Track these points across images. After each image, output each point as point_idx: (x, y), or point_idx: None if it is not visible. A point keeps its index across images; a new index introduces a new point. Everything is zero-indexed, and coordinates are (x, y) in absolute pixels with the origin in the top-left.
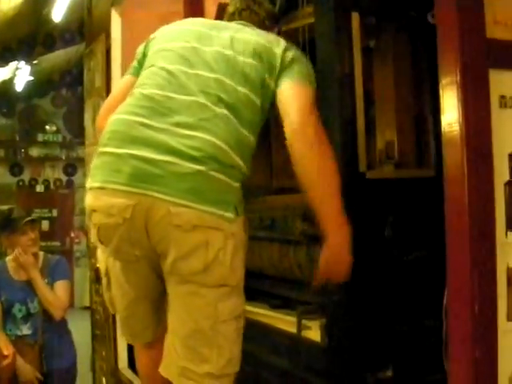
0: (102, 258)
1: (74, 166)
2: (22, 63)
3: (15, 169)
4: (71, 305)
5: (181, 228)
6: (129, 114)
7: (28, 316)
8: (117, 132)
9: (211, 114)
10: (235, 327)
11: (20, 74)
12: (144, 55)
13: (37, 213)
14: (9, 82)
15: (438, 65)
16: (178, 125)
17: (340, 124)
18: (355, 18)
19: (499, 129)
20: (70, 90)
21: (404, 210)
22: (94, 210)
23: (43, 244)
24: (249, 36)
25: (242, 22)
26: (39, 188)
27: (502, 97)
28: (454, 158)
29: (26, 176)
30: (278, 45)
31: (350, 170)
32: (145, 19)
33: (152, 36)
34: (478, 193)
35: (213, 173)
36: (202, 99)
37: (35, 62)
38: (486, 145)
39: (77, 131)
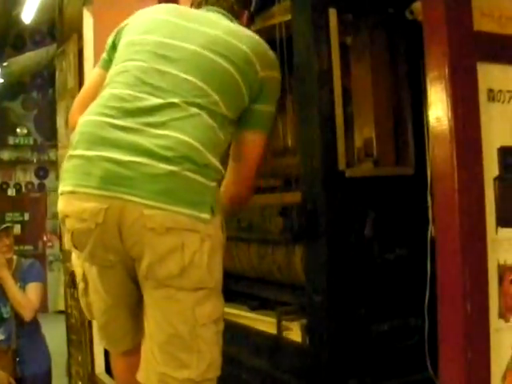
0: (78, 263)
1: (46, 169)
2: None
3: None
4: (45, 309)
5: (155, 231)
6: (98, 114)
7: (1, 321)
8: (86, 134)
9: (184, 114)
10: (215, 330)
11: None
12: (113, 46)
13: (9, 216)
14: None
15: (417, 60)
16: (149, 124)
17: (319, 122)
18: (333, 14)
19: (488, 123)
20: (41, 93)
21: (384, 209)
22: (66, 216)
23: (15, 248)
24: (237, 42)
25: (213, 8)
26: (11, 192)
27: (490, 90)
28: (443, 154)
29: None
30: (259, 58)
31: (329, 168)
32: (117, 18)
33: (123, 24)
34: (467, 189)
35: (187, 173)
36: (175, 99)
37: (5, 64)
38: (475, 139)
39: (48, 134)
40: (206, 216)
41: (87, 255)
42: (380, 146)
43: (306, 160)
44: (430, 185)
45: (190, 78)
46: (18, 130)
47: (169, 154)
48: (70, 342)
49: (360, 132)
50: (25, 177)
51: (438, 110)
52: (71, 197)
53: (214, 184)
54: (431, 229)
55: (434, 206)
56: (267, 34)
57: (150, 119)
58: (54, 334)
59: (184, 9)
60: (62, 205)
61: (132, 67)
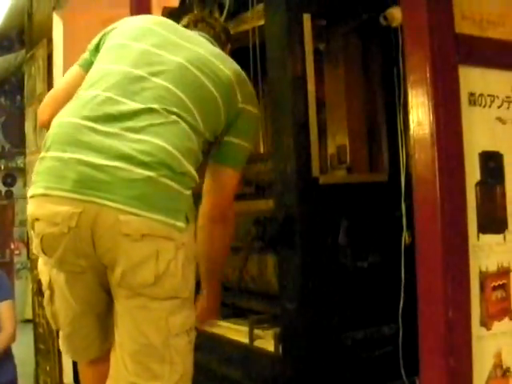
0: (45, 270)
1: (14, 177)
2: None
3: None
4: None
5: (130, 237)
6: (75, 116)
7: None
8: (62, 135)
9: (163, 120)
10: (187, 340)
11: None
12: (97, 48)
13: None
14: None
15: (391, 67)
16: (128, 129)
17: (293, 128)
18: (307, 19)
19: (469, 127)
20: (9, 99)
21: (357, 216)
22: (36, 219)
23: None
24: (221, 66)
25: (201, 33)
26: None
27: (471, 94)
28: (424, 158)
29: None
30: (241, 86)
31: (302, 174)
32: (87, 23)
33: (111, 27)
34: (449, 194)
35: (163, 179)
36: (154, 105)
37: None
38: (456, 144)
39: (16, 141)
40: (181, 224)
41: (56, 261)
42: (353, 152)
43: (279, 166)
44: (404, 192)
45: (172, 88)
46: None
47: (146, 159)
48: (37, 351)
49: (333, 139)
50: None
51: (420, 114)
52: (43, 199)
53: (188, 192)
54: (405, 236)
55: (414, 212)
56: (240, 40)
57: (129, 124)
58: (21, 343)
59: (173, 24)
60: (33, 208)
61: (114, 71)
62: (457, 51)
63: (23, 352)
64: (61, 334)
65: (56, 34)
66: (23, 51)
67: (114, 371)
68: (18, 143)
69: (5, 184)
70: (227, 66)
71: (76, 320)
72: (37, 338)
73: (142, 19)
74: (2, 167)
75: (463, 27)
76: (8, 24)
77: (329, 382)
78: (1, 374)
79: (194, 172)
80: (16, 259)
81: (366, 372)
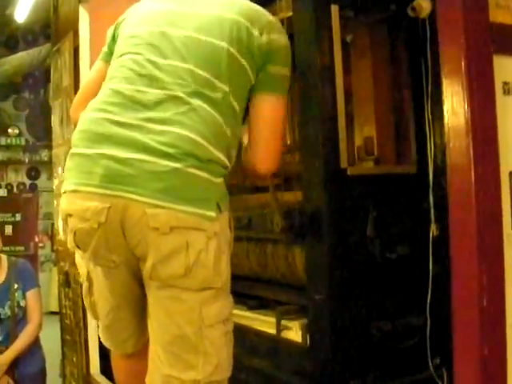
0: (82, 263)
1: (38, 170)
2: None
3: None
4: None
5: (158, 230)
6: (97, 111)
7: None
8: (85, 131)
9: (186, 108)
10: (223, 331)
11: None
12: (113, 39)
13: (0, 217)
14: None
15: (419, 58)
16: (150, 120)
17: (320, 119)
18: (335, 10)
19: (503, 116)
20: (33, 93)
21: (386, 208)
22: (69, 215)
23: (7, 249)
24: (227, 13)
25: None
26: (2, 192)
27: (505, 83)
28: (459, 147)
29: None
30: (256, 23)
31: (330, 166)
32: (113, 15)
33: (121, 18)
34: (484, 183)
35: (191, 169)
36: (176, 92)
37: None
38: (491, 133)
39: (40, 134)
40: (211, 214)
41: (90, 255)
42: (381, 144)
43: (307, 158)
44: (432, 183)
45: (189, 66)
46: (10, 130)
47: (171, 150)
48: (64, 342)
49: (360, 131)
50: (16, 177)
51: (454, 103)
52: (74, 196)
53: (219, 180)
54: (433, 228)
55: (448, 201)
56: None
57: (151, 114)
58: (46, 335)
59: None
60: (65, 204)
61: (128, 61)
62: (491, 40)
63: (48, 344)
64: (100, 324)
65: (82, 26)
66: (47, 45)
67: (150, 364)
68: (42, 137)
69: (29, 177)
70: (235, 10)
71: (113, 312)
72: (63, 330)
73: (146, 1)
74: (27, 160)
75: (497, 16)
76: (33, 18)
77: (356, 373)
78: (31, 363)
79: (223, 158)
80: (40, 252)
81: (394, 363)
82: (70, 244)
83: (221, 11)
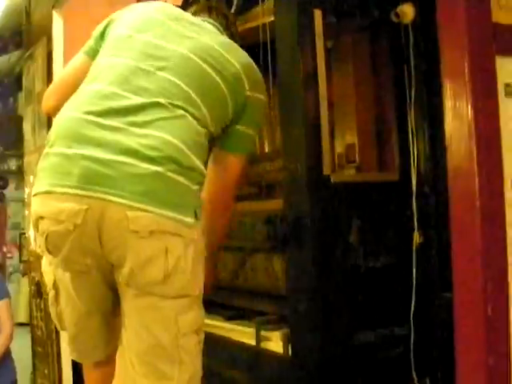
0: (49, 270)
1: (6, 179)
2: None
3: None
4: None
5: (137, 234)
6: (78, 111)
7: None
8: (66, 130)
9: (169, 114)
10: (196, 340)
11: None
12: (102, 36)
13: None
14: None
15: (401, 64)
16: (132, 123)
17: (304, 125)
18: (318, 15)
19: (505, 119)
20: (2, 101)
21: (369, 215)
22: (40, 217)
23: None
24: (228, 56)
25: (210, 21)
26: None
27: (507, 85)
28: (461, 151)
29: None
30: (249, 75)
31: (314, 173)
32: (88, 21)
33: (115, 16)
34: (488, 186)
35: (171, 174)
36: (160, 100)
37: None
38: (494, 136)
39: (9, 143)
40: (190, 220)
41: (62, 260)
42: (363, 152)
43: (289, 165)
44: (416, 191)
45: (176, 81)
46: None
47: (153, 153)
48: (35, 354)
49: (342, 138)
50: None
51: (457, 105)
52: (47, 197)
53: (196, 187)
54: (416, 236)
55: (450, 205)
56: (249, 37)
57: (135, 118)
58: (15, 347)
59: (180, 12)
60: (37, 206)
61: (118, 64)
62: (494, 41)
63: (17, 355)
64: (67, 335)
65: (56, 31)
66: (17, 52)
67: (122, 372)
68: (10, 146)
69: None
70: (234, 56)
71: (82, 320)
72: (34, 341)
73: (147, 7)
74: None
75: (500, 17)
76: (3, 24)
77: None
78: (2, 374)
79: (201, 167)
80: (8, 262)
81: (377, 374)
82: (40, 248)
83: (221, 50)
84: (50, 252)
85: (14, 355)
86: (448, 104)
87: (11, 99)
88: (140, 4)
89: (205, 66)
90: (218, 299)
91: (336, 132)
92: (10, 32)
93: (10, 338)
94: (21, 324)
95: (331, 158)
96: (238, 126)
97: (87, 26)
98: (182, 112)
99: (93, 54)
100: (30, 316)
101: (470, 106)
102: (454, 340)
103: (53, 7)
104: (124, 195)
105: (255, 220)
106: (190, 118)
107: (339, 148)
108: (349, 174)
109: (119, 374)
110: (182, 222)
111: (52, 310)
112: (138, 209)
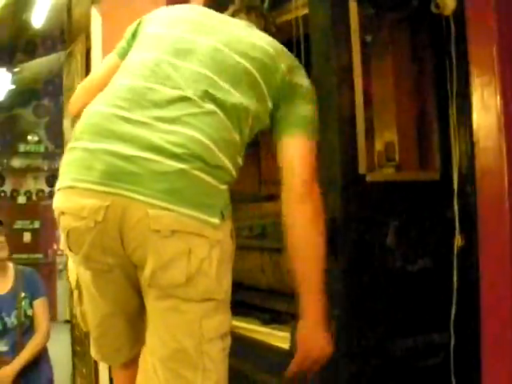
0: (73, 268)
1: (57, 177)
2: (3, 71)
3: None
4: (54, 318)
5: (159, 233)
6: (106, 105)
7: (4, 332)
8: (91, 125)
9: (198, 110)
10: (221, 347)
11: (1, 82)
12: (134, 36)
13: (19, 224)
14: None
15: (443, 57)
16: (160, 119)
17: (338, 122)
18: (353, 7)
19: None
20: (53, 100)
21: (407, 216)
22: (62, 213)
23: (25, 256)
24: (260, 42)
25: (246, 22)
26: (21, 199)
27: None
28: (490, 147)
29: (7, 187)
30: (283, 59)
31: (348, 172)
32: (126, 17)
33: (147, 16)
34: None
35: (197, 172)
36: (188, 93)
37: (16, 69)
38: None
39: (59, 141)
40: (215, 220)
41: (82, 258)
42: (402, 150)
43: (323, 163)
44: (457, 191)
45: (205, 71)
46: (29, 137)
47: (179, 150)
48: (74, 353)
49: (381, 136)
50: (36, 184)
51: (485, 97)
52: (69, 192)
53: (224, 187)
54: (458, 238)
55: (477, 205)
56: (283, 31)
57: (161, 113)
58: (63, 344)
59: (211, 11)
60: (59, 201)
61: (147, 59)
62: None
63: (62, 352)
64: (91, 335)
65: (94, 28)
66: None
67: (143, 377)
68: (61, 144)
69: (48, 184)
70: (266, 42)
71: (105, 321)
72: (74, 340)
73: (178, 7)
74: (46, 168)
75: None
76: (50, 23)
77: None
78: (38, 374)
79: (230, 165)
80: (58, 260)
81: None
82: (62, 245)
83: (252, 38)
84: (70, 249)
85: (58, 352)
86: (475, 95)
87: (61, 97)
88: (170, 7)
89: (234, 55)
90: (255, 301)
91: (375, 129)
92: (58, 30)
93: (47, 336)
94: (68, 321)
95: (368, 157)
96: (292, 108)
97: (126, 22)
98: (211, 107)
99: (124, 54)
100: (70, 314)
101: (498, 97)
102: (481, 345)
103: (92, 3)
104: (146, 193)
105: None
106: (220, 113)
107: (379, 146)
108: (387, 172)
109: (141, 379)
110: (207, 223)
111: (77, 310)
112: (160, 207)
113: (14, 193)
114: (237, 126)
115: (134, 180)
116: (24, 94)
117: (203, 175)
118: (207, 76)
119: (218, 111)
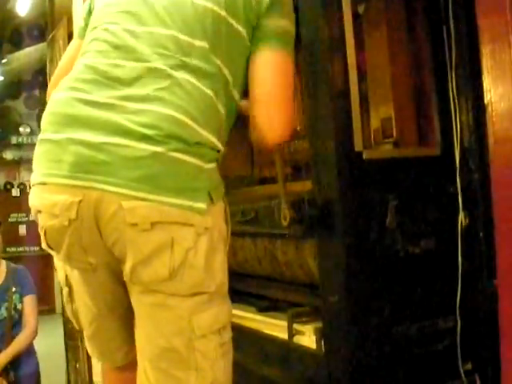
0: (60, 266)
1: None
2: None
3: None
4: (53, 310)
5: (137, 227)
6: (67, 89)
7: None
8: (52, 114)
9: (169, 82)
10: (218, 342)
11: None
12: (89, 12)
13: (13, 217)
14: None
15: (440, 27)
16: (127, 98)
17: (331, 98)
18: None
19: None
20: (43, 90)
21: (407, 195)
22: (38, 211)
23: (21, 249)
24: None
25: None
26: (15, 192)
27: None
28: (504, 109)
29: (0, 180)
30: None
31: (344, 150)
32: None
33: None
34: None
35: (174, 154)
36: (156, 63)
37: (4, 60)
38: None
39: None
40: (201, 205)
41: (64, 257)
42: (400, 125)
43: (316, 142)
44: (459, 166)
45: (170, 32)
46: (21, 129)
47: (150, 132)
48: (67, 347)
49: (376, 111)
50: (29, 177)
51: (497, 50)
52: (41, 189)
53: (211, 165)
54: (462, 217)
55: (492, 189)
56: None
57: (129, 91)
58: (59, 336)
59: None
60: (33, 198)
61: (102, 32)
62: None
63: (60, 345)
64: (84, 334)
65: (76, 11)
66: None
67: (138, 381)
68: None
69: None
70: None
71: (97, 321)
72: (66, 334)
73: None
74: None
75: None
76: (35, 12)
77: (378, 383)
78: (23, 367)
79: (215, 139)
80: None
81: (420, 370)
82: (43, 244)
83: None
84: (51, 248)
85: (51, 346)
86: (485, 50)
87: None
88: None
89: (199, 2)
90: (250, 289)
91: (371, 105)
92: (43, 19)
93: (35, 333)
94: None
95: (364, 135)
96: (266, 20)
97: None
98: (184, 76)
99: (84, 34)
100: (62, 308)
101: None
102: (500, 332)
103: None
104: (119, 183)
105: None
106: (195, 80)
107: (375, 123)
108: (385, 149)
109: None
110: (191, 209)
111: (67, 308)
112: (136, 197)
113: (8, 185)
114: (217, 91)
115: (105, 170)
116: (14, 86)
117: (182, 156)
118: (174, 37)
119: (193, 79)
